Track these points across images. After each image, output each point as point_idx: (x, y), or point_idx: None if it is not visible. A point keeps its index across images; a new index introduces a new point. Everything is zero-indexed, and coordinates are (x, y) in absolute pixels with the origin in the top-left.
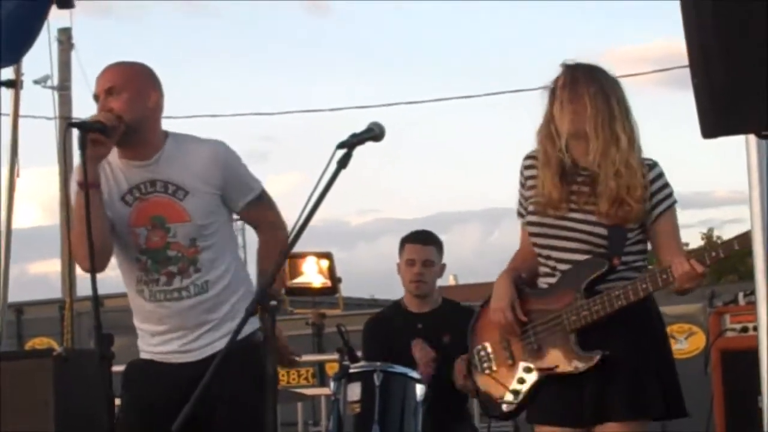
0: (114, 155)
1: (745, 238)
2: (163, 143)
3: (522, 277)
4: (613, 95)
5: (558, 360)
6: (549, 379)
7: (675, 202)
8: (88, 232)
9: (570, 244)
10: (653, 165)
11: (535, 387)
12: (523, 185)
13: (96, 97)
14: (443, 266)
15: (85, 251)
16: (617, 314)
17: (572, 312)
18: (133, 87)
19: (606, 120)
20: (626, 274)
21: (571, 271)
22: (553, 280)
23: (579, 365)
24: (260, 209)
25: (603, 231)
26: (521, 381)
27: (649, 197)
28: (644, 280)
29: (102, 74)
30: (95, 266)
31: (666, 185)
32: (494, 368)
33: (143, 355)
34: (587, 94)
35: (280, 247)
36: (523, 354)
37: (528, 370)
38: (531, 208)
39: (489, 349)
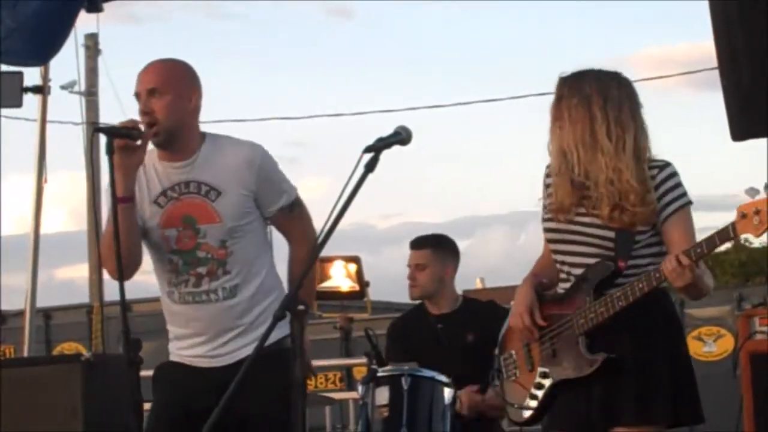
0: (154, 156)
1: (724, 233)
2: (200, 144)
3: (543, 283)
4: (596, 102)
5: (570, 364)
6: (563, 384)
7: (688, 203)
8: (117, 245)
9: (581, 248)
10: (664, 166)
11: (552, 392)
12: (544, 193)
13: (137, 96)
14: (449, 267)
15: (114, 263)
16: (628, 316)
17: (581, 315)
18: (176, 89)
19: (587, 129)
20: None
21: (582, 276)
22: (568, 285)
23: (586, 369)
24: (291, 218)
25: (610, 234)
26: (539, 386)
27: (659, 198)
28: (641, 280)
29: (144, 72)
30: (122, 277)
31: (676, 186)
32: (518, 374)
33: (173, 358)
34: (567, 108)
35: (312, 271)
36: (541, 359)
37: (545, 375)
38: (547, 215)
39: (514, 356)
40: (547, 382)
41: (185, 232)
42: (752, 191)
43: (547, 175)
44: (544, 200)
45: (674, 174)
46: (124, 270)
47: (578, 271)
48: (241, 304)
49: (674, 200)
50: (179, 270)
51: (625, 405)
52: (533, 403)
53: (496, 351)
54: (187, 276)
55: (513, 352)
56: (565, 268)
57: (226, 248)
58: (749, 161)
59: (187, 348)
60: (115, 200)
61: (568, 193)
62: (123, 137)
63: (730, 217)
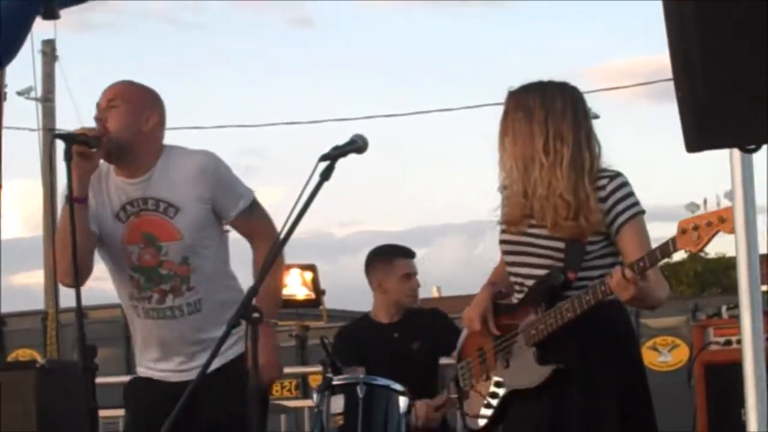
0: (112, 172)
1: (665, 248)
2: (156, 161)
3: (501, 292)
4: (537, 117)
5: (521, 374)
6: (516, 394)
7: (639, 212)
8: (73, 246)
9: (532, 260)
10: (614, 176)
11: (505, 402)
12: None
13: (98, 105)
14: None
15: (66, 266)
16: (577, 327)
17: (532, 326)
18: (133, 106)
19: (527, 144)
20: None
21: (533, 287)
22: (521, 296)
23: (535, 379)
24: (251, 220)
25: (560, 245)
26: (494, 395)
27: (609, 209)
28: (588, 292)
29: (110, 86)
30: (71, 281)
31: (627, 196)
32: (474, 383)
33: (141, 373)
34: (512, 123)
35: (278, 276)
36: (495, 368)
37: (499, 384)
38: (501, 227)
39: (470, 365)
40: (501, 391)
41: (147, 249)
42: (692, 206)
43: (501, 188)
44: (499, 212)
45: (624, 184)
46: (74, 274)
47: (531, 282)
48: (206, 319)
49: (625, 210)
50: (141, 286)
51: (572, 416)
52: (488, 412)
53: (455, 360)
54: (150, 293)
55: (469, 360)
56: (519, 279)
57: (188, 264)
58: (710, 170)
59: (155, 362)
60: (72, 202)
61: (518, 206)
62: (81, 144)
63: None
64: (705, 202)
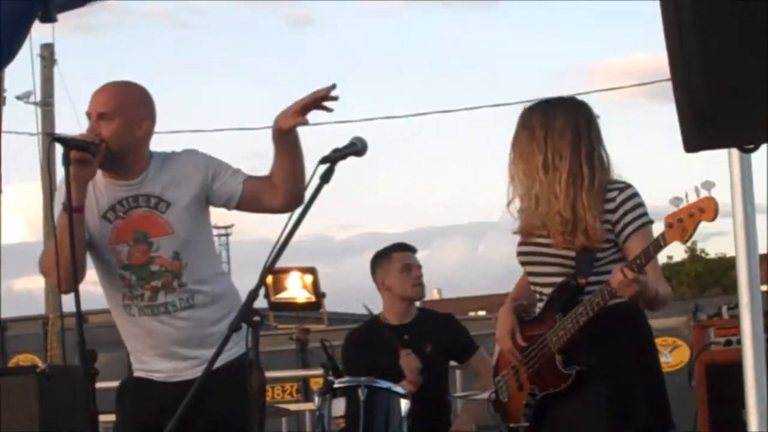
0: (99, 173)
1: (656, 243)
2: (148, 164)
3: (524, 305)
4: (538, 136)
5: (550, 381)
6: (549, 401)
7: (647, 222)
8: (72, 254)
9: (546, 269)
10: (623, 188)
11: (539, 409)
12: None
13: (88, 116)
14: None
15: (62, 272)
16: (599, 329)
17: (554, 333)
18: (126, 116)
19: (530, 163)
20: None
21: (551, 295)
22: (542, 305)
23: (563, 383)
24: (257, 180)
25: (571, 254)
26: (528, 404)
27: (618, 220)
28: (596, 295)
29: (97, 93)
30: (67, 288)
31: (635, 207)
32: (511, 395)
33: (137, 374)
34: (518, 142)
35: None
36: (528, 379)
37: (532, 394)
38: (519, 239)
39: (506, 378)
40: (534, 401)
41: (137, 247)
42: (676, 200)
43: (510, 203)
44: (514, 224)
45: (633, 195)
46: (68, 279)
47: (548, 290)
48: (199, 315)
49: (633, 221)
50: (132, 285)
51: (596, 414)
52: (526, 421)
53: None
54: (141, 291)
55: (504, 372)
56: (538, 289)
57: (180, 260)
58: (707, 172)
59: (152, 362)
60: (71, 210)
61: (528, 219)
62: (80, 150)
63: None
64: (686, 195)
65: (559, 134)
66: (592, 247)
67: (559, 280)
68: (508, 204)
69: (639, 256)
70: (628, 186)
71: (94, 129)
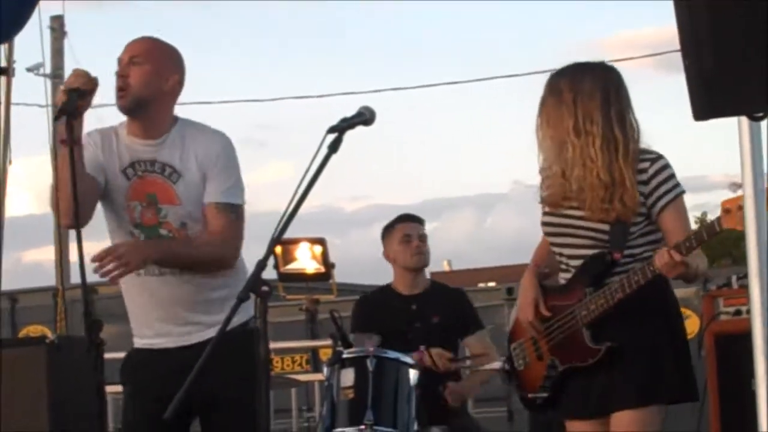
0: (123, 128)
1: (710, 228)
2: (170, 127)
3: (545, 273)
4: (567, 100)
5: (575, 354)
6: (571, 373)
7: (680, 193)
8: (73, 186)
9: (577, 241)
10: (656, 158)
11: (560, 381)
12: (540, 187)
13: (119, 61)
14: None
15: (66, 207)
16: (628, 304)
17: (583, 307)
18: (155, 64)
19: (559, 127)
20: (634, 265)
21: (581, 267)
22: (568, 276)
23: (590, 359)
24: (220, 215)
25: (604, 227)
26: (548, 376)
27: (651, 191)
28: (637, 273)
29: (132, 42)
30: (69, 222)
31: (668, 178)
32: (529, 363)
33: (139, 345)
34: (546, 108)
35: (195, 252)
36: (549, 349)
37: (553, 364)
38: (543, 208)
39: (524, 346)
40: (555, 372)
41: (148, 208)
42: (734, 186)
43: (541, 170)
44: (540, 194)
45: (666, 166)
46: (72, 216)
47: (576, 262)
48: (203, 278)
49: (667, 192)
50: None
51: (625, 389)
52: (544, 392)
53: (507, 341)
54: None
55: (522, 340)
56: (564, 260)
57: (186, 230)
58: (715, 142)
59: (151, 329)
60: (72, 142)
61: (558, 187)
62: (83, 97)
63: (698, 198)
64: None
65: (588, 97)
66: (626, 219)
67: (588, 253)
68: (542, 171)
69: (690, 238)
70: (660, 156)
71: (124, 70)
